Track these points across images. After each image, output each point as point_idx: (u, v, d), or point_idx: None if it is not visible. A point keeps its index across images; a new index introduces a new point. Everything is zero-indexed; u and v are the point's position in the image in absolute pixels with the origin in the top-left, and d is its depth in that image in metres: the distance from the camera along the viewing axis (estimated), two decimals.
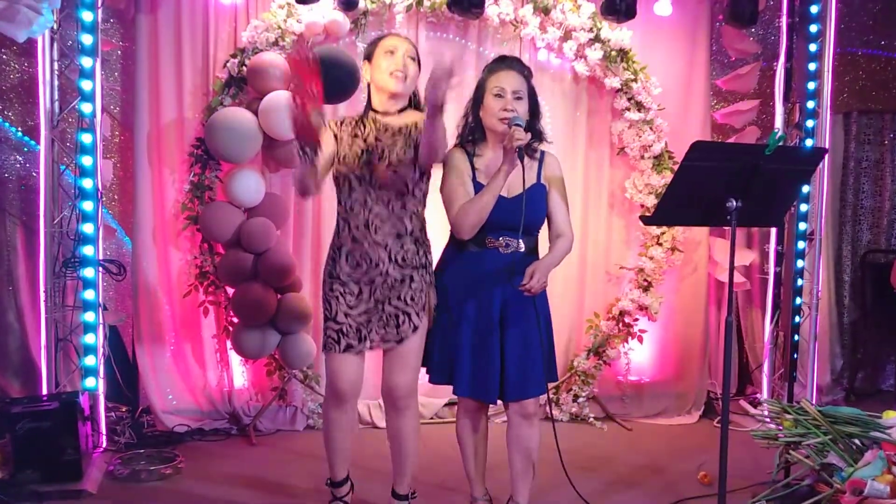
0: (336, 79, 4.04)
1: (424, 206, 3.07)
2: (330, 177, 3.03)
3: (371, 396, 4.47)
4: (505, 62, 3.00)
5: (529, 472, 3.10)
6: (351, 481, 3.25)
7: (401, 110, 3.02)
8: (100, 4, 4.01)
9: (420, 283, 2.99)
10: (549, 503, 3.50)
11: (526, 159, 2.83)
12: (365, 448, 3.69)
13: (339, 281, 2.98)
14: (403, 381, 3.01)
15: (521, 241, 2.93)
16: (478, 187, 2.91)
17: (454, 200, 2.91)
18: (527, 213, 2.85)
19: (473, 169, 2.95)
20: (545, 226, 3.06)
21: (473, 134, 3.01)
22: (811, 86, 4.75)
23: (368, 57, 3.02)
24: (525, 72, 2.98)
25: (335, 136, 3.00)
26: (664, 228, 4.70)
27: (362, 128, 3.01)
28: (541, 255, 3.00)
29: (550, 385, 3.28)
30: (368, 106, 3.06)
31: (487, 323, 2.94)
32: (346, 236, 2.97)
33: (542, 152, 3.04)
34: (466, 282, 2.96)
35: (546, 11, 4.52)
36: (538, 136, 3.00)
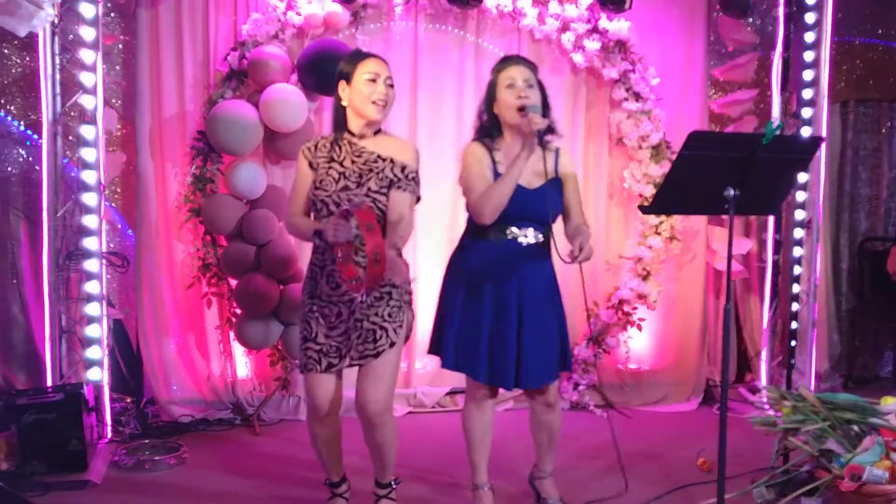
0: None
1: None
2: None
3: None
4: (511, 59, 3.11)
5: (553, 446, 3.30)
6: (347, 480, 3.26)
7: (375, 132, 3.00)
8: None
9: (399, 300, 2.98)
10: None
11: (544, 152, 2.93)
12: (360, 439, 3.72)
13: (320, 301, 2.95)
14: (377, 395, 2.94)
15: (539, 233, 3.02)
16: (498, 178, 2.97)
17: (475, 187, 2.97)
18: (546, 204, 2.94)
19: (494, 162, 3.02)
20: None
21: (490, 132, 3.08)
22: (808, 75, 4.76)
23: (346, 77, 2.93)
24: (531, 66, 3.08)
25: (310, 164, 2.96)
26: (663, 218, 4.73)
27: (337, 150, 2.96)
28: (554, 247, 3.09)
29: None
30: (343, 126, 2.98)
31: (506, 311, 3.00)
32: (327, 257, 2.94)
33: (558, 148, 3.13)
34: (485, 271, 3.02)
35: (544, 2, 4.54)
36: (551, 128, 3.06)
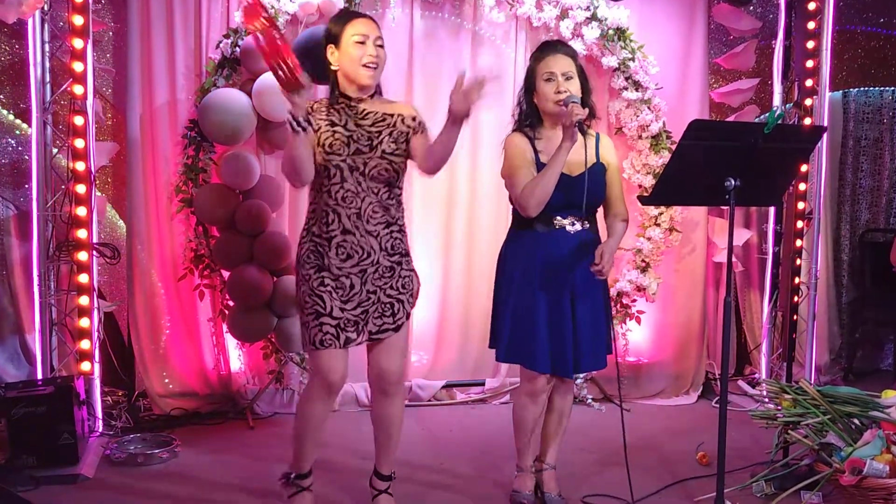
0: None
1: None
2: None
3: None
4: (550, 47, 3.08)
5: (561, 434, 3.32)
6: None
7: (371, 95, 2.96)
8: None
9: (408, 269, 3.00)
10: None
11: (585, 139, 2.94)
12: (363, 431, 3.68)
13: (331, 275, 2.89)
14: (397, 366, 3.02)
15: (585, 219, 3.05)
16: (541, 168, 2.98)
17: (519, 181, 2.99)
18: (589, 190, 2.95)
19: (536, 151, 3.03)
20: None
21: (530, 119, 3.09)
22: (810, 64, 4.71)
23: (334, 41, 2.87)
24: (571, 52, 3.06)
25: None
26: (662, 209, 4.68)
27: (336, 115, 2.89)
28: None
29: None
30: (336, 91, 2.91)
31: (560, 301, 3.03)
32: (335, 227, 2.87)
33: (597, 133, 3.13)
34: (536, 262, 3.04)
35: None
36: (591, 113, 3.05)
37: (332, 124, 2.88)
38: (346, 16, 2.92)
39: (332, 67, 2.89)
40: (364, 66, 2.84)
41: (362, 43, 2.83)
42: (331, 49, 2.88)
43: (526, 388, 3.16)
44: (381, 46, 2.89)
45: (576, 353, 3.05)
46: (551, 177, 2.89)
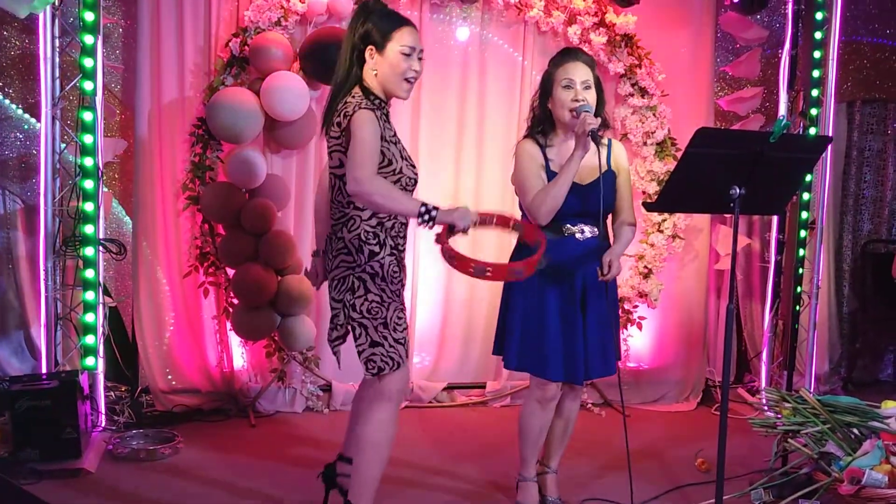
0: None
1: None
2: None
3: None
4: (571, 54, 3.08)
5: (566, 440, 3.33)
6: None
7: None
8: None
9: None
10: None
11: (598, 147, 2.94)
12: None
13: (401, 287, 2.84)
14: None
15: (595, 227, 3.05)
16: (551, 176, 3.00)
17: (529, 188, 3.00)
18: (600, 198, 2.94)
19: (546, 159, 3.04)
20: None
21: (543, 125, 3.09)
22: (816, 74, 4.72)
23: (377, 44, 2.63)
24: (590, 62, 3.06)
25: (382, 137, 2.64)
26: (665, 215, 4.69)
27: (390, 125, 2.75)
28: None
29: None
30: (373, 96, 2.67)
31: (571, 308, 3.03)
32: (405, 239, 2.85)
33: (610, 140, 3.14)
34: (546, 270, 2.98)
35: None
36: (605, 123, 3.07)
37: (395, 134, 2.75)
38: (394, 20, 2.67)
39: (371, 71, 2.66)
40: (406, 80, 2.67)
41: (408, 55, 2.65)
42: (370, 51, 2.65)
43: (536, 395, 3.15)
44: (422, 59, 2.72)
45: (586, 359, 3.05)
46: (562, 186, 2.91)
